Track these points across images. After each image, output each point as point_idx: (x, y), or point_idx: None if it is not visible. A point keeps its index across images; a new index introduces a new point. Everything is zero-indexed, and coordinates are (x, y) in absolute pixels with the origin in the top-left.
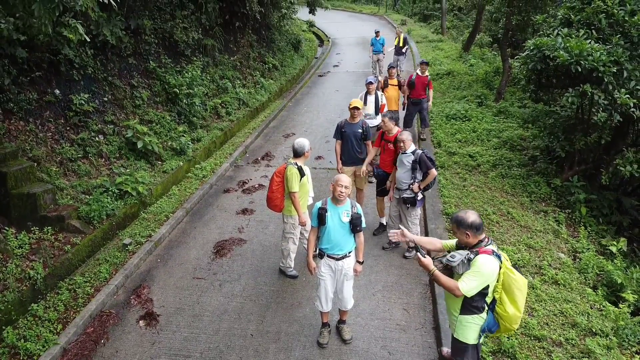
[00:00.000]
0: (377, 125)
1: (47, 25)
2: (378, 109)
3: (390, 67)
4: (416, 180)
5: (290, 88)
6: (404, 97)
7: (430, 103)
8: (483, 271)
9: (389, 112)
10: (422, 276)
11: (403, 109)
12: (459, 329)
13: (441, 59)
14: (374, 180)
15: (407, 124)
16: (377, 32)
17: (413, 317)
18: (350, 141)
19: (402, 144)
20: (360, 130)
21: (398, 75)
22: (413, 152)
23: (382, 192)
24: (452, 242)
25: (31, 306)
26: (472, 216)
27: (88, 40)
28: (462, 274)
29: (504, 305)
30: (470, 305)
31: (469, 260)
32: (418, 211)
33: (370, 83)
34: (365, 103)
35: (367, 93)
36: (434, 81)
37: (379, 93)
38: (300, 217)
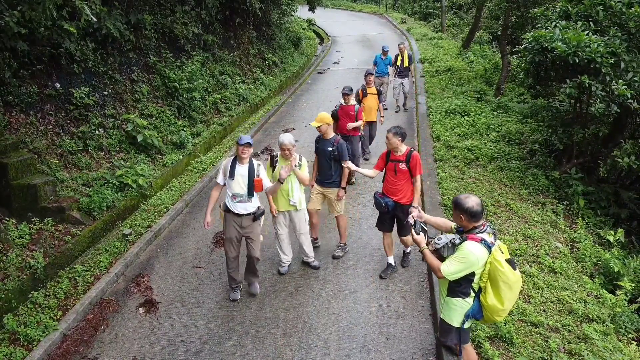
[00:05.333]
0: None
1: (51, 10)
2: (252, 189)
3: (368, 73)
4: None
5: (290, 84)
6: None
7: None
8: (467, 257)
9: (394, 127)
10: (419, 265)
11: (382, 124)
12: (445, 310)
13: (441, 56)
14: None
15: (364, 151)
16: (385, 50)
17: (411, 304)
18: (323, 159)
19: None
20: (330, 149)
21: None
22: None
23: (388, 225)
24: None
25: (31, 294)
26: (471, 202)
27: (95, 20)
28: (446, 257)
29: (486, 295)
30: (456, 288)
31: (454, 244)
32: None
33: (248, 145)
34: (232, 176)
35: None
36: (433, 77)
37: (255, 162)
38: (270, 207)
